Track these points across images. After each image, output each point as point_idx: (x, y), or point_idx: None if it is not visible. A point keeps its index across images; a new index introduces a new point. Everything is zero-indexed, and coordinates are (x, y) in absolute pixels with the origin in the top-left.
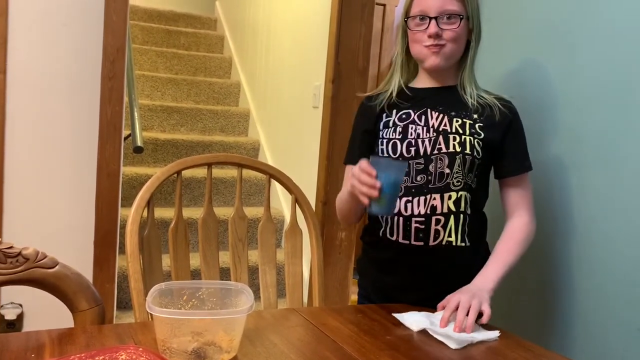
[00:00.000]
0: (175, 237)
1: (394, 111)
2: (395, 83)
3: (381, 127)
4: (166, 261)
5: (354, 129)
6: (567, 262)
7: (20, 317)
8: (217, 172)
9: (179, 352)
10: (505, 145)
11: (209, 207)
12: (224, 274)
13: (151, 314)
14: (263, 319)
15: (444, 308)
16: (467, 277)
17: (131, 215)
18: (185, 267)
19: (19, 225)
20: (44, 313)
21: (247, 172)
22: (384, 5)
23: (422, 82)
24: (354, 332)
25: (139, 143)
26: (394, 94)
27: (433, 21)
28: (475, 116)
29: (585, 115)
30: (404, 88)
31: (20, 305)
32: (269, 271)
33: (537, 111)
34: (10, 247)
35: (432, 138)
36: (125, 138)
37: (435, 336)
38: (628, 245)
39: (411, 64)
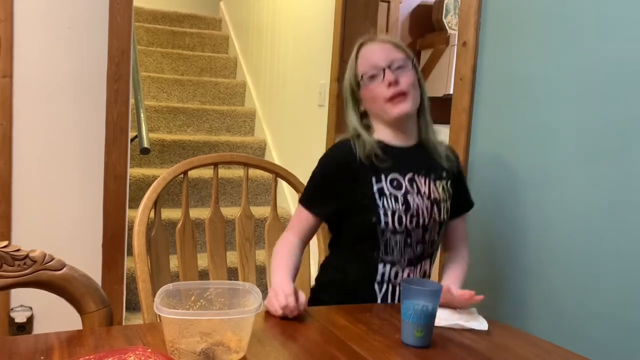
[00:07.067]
0: (183, 237)
1: (382, 176)
2: (368, 145)
3: (376, 194)
4: (174, 262)
5: (322, 174)
6: (576, 262)
7: (30, 319)
8: (223, 172)
9: (188, 352)
10: (457, 188)
11: (216, 207)
12: (232, 274)
13: (159, 315)
14: (271, 319)
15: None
16: None
17: (138, 216)
18: (192, 268)
19: (26, 228)
20: (54, 316)
21: (253, 172)
22: (388, 2)
23: (388, 138)
24: (363, 332)
25: (146, 144)
26: (372, 157)
27: (387, 70)
28: (444, 174)
29: (591, 112)
30: (378, 148)
31: (30, 308)
32: None
33: (542, 108)
34: (18, 250)
35: (428, 207)
36: (132, 140)
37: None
38: (629, 242)
39: (369, 126)
